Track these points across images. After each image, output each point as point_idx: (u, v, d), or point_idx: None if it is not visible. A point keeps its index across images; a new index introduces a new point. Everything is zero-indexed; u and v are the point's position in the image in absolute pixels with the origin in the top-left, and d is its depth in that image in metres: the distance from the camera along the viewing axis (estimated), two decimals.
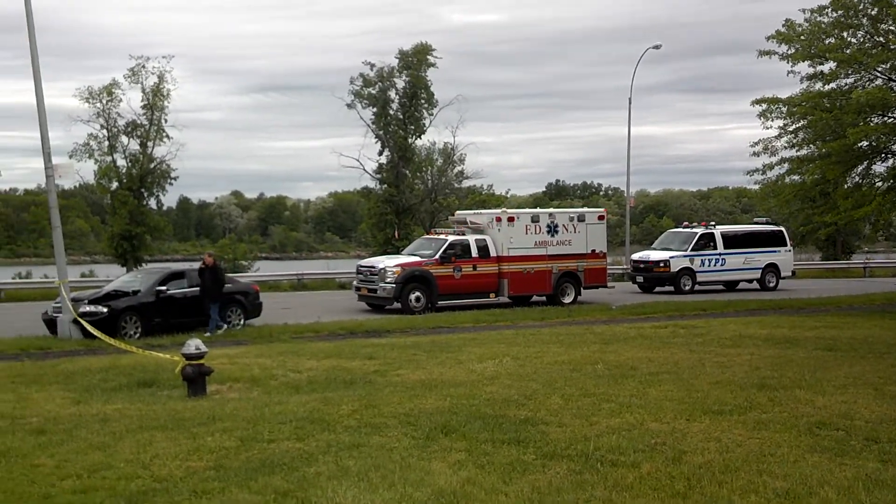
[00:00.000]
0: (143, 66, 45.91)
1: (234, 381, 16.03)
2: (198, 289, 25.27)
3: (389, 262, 32.10)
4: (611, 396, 13.81)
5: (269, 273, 47.85)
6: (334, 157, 48.98)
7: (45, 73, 24.53)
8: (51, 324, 24.19)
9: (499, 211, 35.25)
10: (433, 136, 52.27)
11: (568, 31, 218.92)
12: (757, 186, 37.63)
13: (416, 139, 50.93)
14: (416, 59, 49.57)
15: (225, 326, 25.15)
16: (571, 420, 12.10)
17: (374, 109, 49.84)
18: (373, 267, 32.19)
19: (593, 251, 34.52)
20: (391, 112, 49.95)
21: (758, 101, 33.05)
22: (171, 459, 10.06)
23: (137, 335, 23.51)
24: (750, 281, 41.43)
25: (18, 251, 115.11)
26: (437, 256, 31.79)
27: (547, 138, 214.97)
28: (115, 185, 47.06)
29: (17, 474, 9.56)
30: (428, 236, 36.29)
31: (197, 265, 26.27)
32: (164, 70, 46.18)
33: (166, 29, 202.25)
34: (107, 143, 46.30)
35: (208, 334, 23.77)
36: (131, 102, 46.37)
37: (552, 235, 33.56)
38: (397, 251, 39.78)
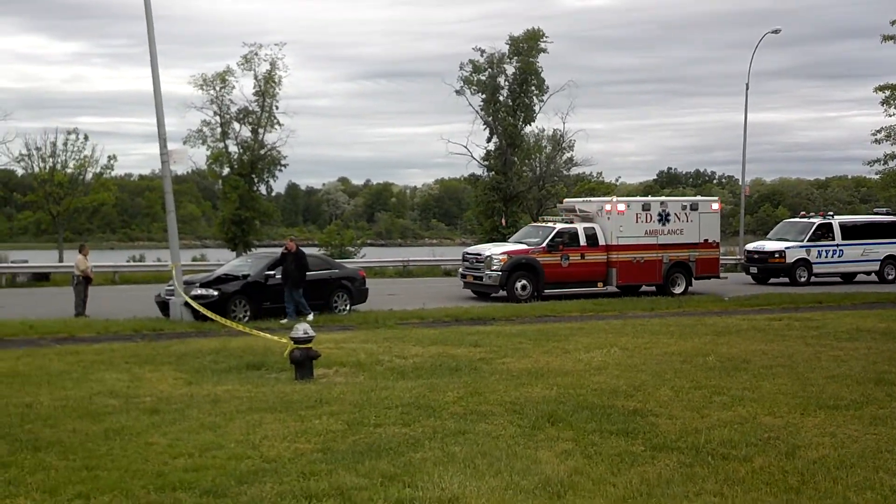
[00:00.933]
0: (256, 54, 46.52)
1: (340, 366, 16.12)
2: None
3: (496, 250, 32.00)
4: (722, 389, 13.53)
5: (375, 259, 48.23)
6: (442, 143, 49.04)
7: (161, 61, 25.06)
8: (163, 306, 24.70)
9: (608, 199, 34.87)
10: (543, 123, 51.79)
11: (685, 16, 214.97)
12: (877, 176, 36.61)
13: (525, 126, 50.61)
14: (527, 45, 49.20)
15: (310, 315, 24.12)
16: (681, 412, 11.87)
17: (484, 96, 49.64)
18: (479, 254, 32.12)
19: (706, 241, 33.98)
20: (500, 98, 49.70)
21: (881, 88, 32.12)
22: (279, 441, 10.14)
23: (246, 318, 23.77)
24: (868, 273, 40.23)
25: (132, 234, 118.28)
26: (544, 244, 31.59)
27: (660, 125, 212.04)
28: (226, 170, 47.83)
29: (132, 452, 9.74)
30: (535, 224, 36.08)
31: (307, 250, 26.42)
32: (277, 57, 46.72)
33: (280, 16, 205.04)
34: (219, 129, 47.04)
35: (285, 321, 23.34)
36: (244, 89, 47.08)
37: (663, 224, 33.10)
38: (504, 239, 39.61)
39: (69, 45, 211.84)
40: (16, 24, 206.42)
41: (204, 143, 46.95)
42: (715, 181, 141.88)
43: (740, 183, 57.21)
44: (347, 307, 26.45)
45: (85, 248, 27.21)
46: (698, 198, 37.84)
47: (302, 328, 14.95)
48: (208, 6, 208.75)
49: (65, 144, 50.82)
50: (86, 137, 51.63)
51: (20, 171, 61.33)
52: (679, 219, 33.47)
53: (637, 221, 32.83)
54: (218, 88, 46.63)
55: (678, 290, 33.30)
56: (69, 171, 51.21)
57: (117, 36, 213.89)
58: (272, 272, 25.30)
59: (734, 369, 15.58)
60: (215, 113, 46.85)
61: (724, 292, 32.94)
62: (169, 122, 24.21)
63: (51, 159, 50.67)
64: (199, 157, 48.56)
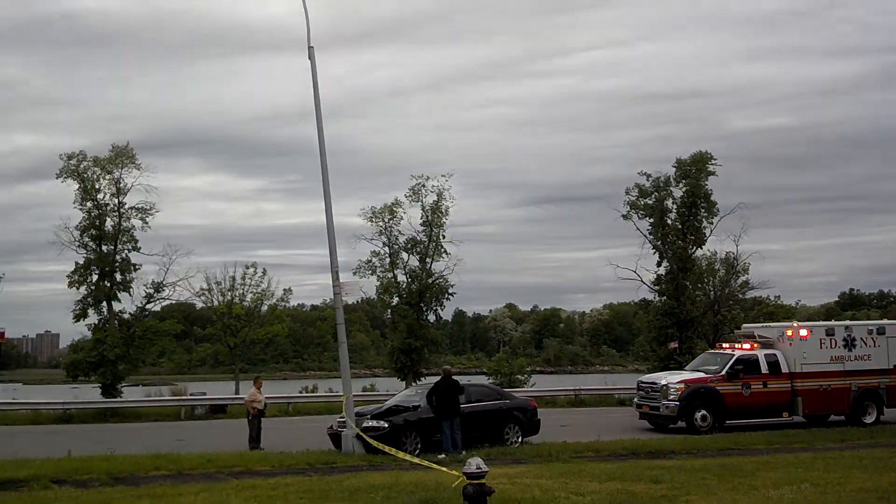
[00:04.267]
0: (423, 185, 47.55)
1: (514, 502, 15.57)
2: (478, 404, 25.19)
3: (672, 379, 31.10)
4: None
5: (545, 388, 47.52)
6: (610, 268, 48.51)
7: (333, 194, 25.50)
8: (335, 438, 24.71)
9: (790, 324, 33.61)
10: (714, 246, 50.68)
11: (861, 132, 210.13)
12: None
13: (695, 249, 49.73)
14: (695, 169, 48.64)
15: (462, 452, 23.34)
16: None
17: (651, 219, 49.16)
18: (654, 383, 31.28)
19: (895, 366, 32.21)
20: (669, 222, 49.10)
21: None
22: None
23: (417, 451, 23.50)
24: None
25: (304, 364, 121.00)
26: (723, 372, 30.58)
27: (840, 244, 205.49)
28: (395, 299, 48.46)
29: None
30: (713, 351, 35.05)
31: (472, 380, 26.11)
32: (443, 188, 47.57)
33: (448, 146, 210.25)
34: (388, 259, 47.95)
35: (442, 455, 22.79)
36: (412, 220, 48.02)
37: (849, 350, 31.74)
38: (679, 366, 38.53)
39: (249, 183, 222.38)
40: (200, 164, 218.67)
41: (373, 272, 48.05)
42: None
43: None
44: (519, 439, 25.97)
45: (259, 381, 27.68)
46: (885, 321, 36.04)
47: (475, 462, 14.53)
48: (379, 140, 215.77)
49: (243, 278, 52.59)
50: (264, 272, 53.38)
51: (200, 305, 63.68)
52: (866, 343, 32.10)
53: (821, 347, 31.56)
54: (387, 220, 47.80)
55: (869, 419, 31.64)
56: (246, 303, 52.79)
57: (294, 171, 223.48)
58: None
59: None
60: (384, 243, 47.89)
61: None
62: (340, 252, 24.57)
63: (229, 293, 52.38)
64: (368, 286, 49.51)
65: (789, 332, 31.69)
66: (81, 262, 43.26)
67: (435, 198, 47.67)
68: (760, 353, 31.28)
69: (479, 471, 14.47)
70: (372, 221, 47.86)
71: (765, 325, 36.09)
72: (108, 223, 43.60)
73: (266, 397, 27.39)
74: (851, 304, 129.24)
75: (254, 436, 26.03)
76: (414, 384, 39.03)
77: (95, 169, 43.23)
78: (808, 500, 15.50)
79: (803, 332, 31.62)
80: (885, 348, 32.24)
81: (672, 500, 15.90)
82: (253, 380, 28.33)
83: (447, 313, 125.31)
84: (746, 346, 31.99)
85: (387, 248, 48.14)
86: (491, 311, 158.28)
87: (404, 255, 48.44)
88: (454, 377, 25.50)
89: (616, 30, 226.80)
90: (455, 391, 24.60)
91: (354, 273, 47.49)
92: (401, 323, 47.32)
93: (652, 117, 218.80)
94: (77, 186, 43.16)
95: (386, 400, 28.40)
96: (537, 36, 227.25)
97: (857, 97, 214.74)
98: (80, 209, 43.41)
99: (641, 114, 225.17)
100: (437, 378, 25.42)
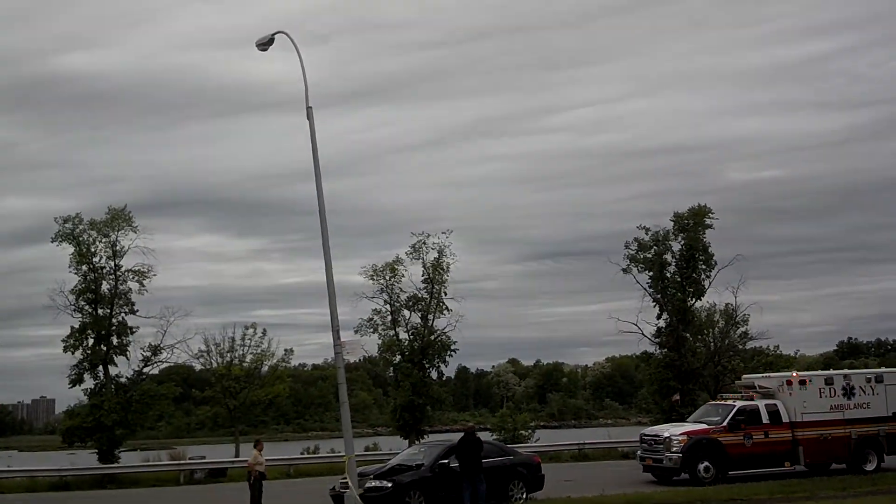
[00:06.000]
0: (424, 243, 47.58)
1: None
2: (483, 461, 25.22)
3: (674, 430, 31.07)
4: None
5: (549, 443, 47.35)
6: (611, 322, 48.44)
7: (334, 253, 25.52)
8: (338, 499, 24.50)
9: (789, 374, 33.65)
10: (713, 297, 50.60)
11: (858, 183, 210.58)
12: None
13: (695, 301, 49.70)
14: (693, 222, 48.78)
15: None
16: None
17: (651, 273, 49.17)
18: (657, 436, 31.22)
19: (894, 414, 32.42)
20: (668, 275, 49.11)
21: None
22: None
23: None
24: None
25: (306, 425, 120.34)
26: (724, 423, 30.59)
27: (838, 294, 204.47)
28: (397, 357, 48.33)
29: None
30: (714, 402, 34.96)
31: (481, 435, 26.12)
32: (444, 245, 47.64)
33: (448, 203, 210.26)
34: (389, 317, 47.84)
35: None
36: (413, 277, 47.96)
37: (849, 398, 31.92)
38: (682, 418, 38.41)
39: (248, 243, 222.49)
40: (198, 224, 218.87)
41: (375, 331, 47.87)
42: None
43: None
44: (524, 495, 25.97)
45: (260, 444, 27.51)
46: (883, 370, 36.07)
47: None
48: (382, 198, 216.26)
49: (242, 339, 52.33)
50: (264, 332, 53.15)
51: (198, 367, 63.32)
52: (864, 392, 32.29)
53: (821, 396, 31.72)
54: (388, 277, 47.72)
55: (870, 466, 31.64)
56: (246, 364, 52.56)
57: (293, 231, 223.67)
58: (446, 461, 24.99)
59: None
60: (385, 301, 47.79)
61: None
62: (341, 311, 24.57)
63: (229, 354, 52.14)
64: (370, 344, 49.33)
65: (789, 382, 31.80)
66: (77, 325, 42.92)
67: (436, 255, 47.76)
68: (761, 404, 31.32)
69: None
70: (373, 279, 47.88)
71: (765, 375, 36.03)
72: (104, 286, 43.09)
73: (266, 459, 27.20)
74: (850, 352, 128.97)
75: (256, 500, 25.85)
76: (417, 442, 38.79)
77: (91, 232, 42.91)
78: None
79: (802, 381, 31.77)
80: (884, 396, 32.40)
81: None
82: (254, 443, 28.17)
83: (450, 370, 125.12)
84: (747, 396, 32.01)
85: (388, 306, 48.06)
86: (494, 366, 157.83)
87: (406, 313, 48.38)
88: (477, 434, 25.69)
89: (609, 86, 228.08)
90: (477, 447, 24.78)
91: (356, 331, 47.30)
92: (405, 381, 47.13)
93: (651, 173, 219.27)
94: (72, 250, 42.80)
95: (389, 459, 28.26)
96: (530, 93, 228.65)
97: (848, 149, 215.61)
98: (76, 273, 43.05)
99: (637, 168, 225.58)
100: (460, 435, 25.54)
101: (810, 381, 32.07)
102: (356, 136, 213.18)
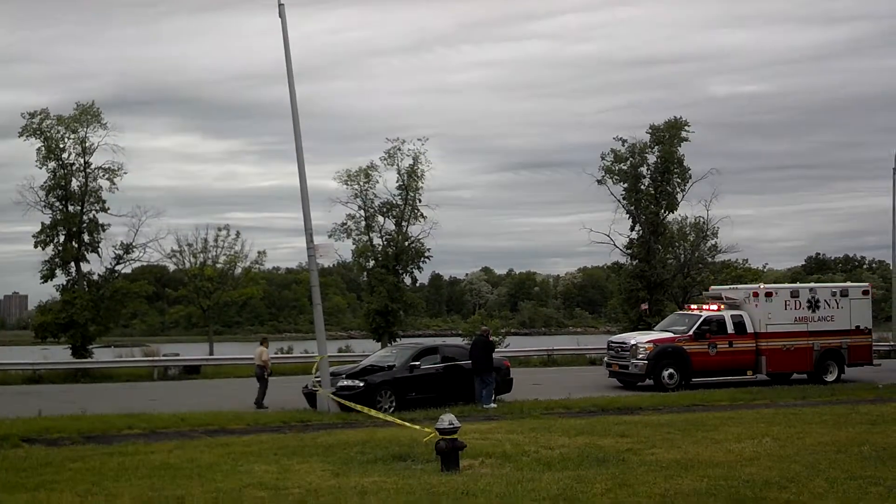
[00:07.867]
0: (399, 149, 47.40)
1: (485, 457, 15.93)
2: (452, 363, 26.08)
3: (641, 338, 31.62)
4: (879, 479, 13.00)
5: (519, 349, 47.96)
6: (584, 232, 48.63)
7: (308, 157, 25.63)
8: (311, 397, 25.00)
9: (756, 286, 34.16)
10: (686, 210, 50.96)
11: (833, 100, 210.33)
12: None
13: (668, 214, 50.06)
14: (669, 134, 48.85)
15: (493, 403, 25.35)
16: None
17: (625, 185, 49.36)
18: (624, 343, 31.78)
19: (857, 327, 33.15)
20: (642, 187, 49.33)
21: None
22: None
23: (392, 409, 23.81)
24: None
25: (280, 327, 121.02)
26: (690, 332, 31.13)
27: (808, 210, 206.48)
28: (371, 263, 48.53)
29: None
30: (681, 312, 35.55)
31: (447, 341, 26.75)
32: (419, 152, 47.51)
33: (424, 110, 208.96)
34: (364, 223, 47.90)
35: (493, 405, 24.92)
36: (387, 184, 47.87)
37: (813, 311, 32.43)
38: (649, 327, 39.02)
39: (222, 144, 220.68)
40: (171, 124, 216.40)
41: (349, 236, 47.89)
42: (865, 266, 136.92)
43: (891, 267, 55.13)
44: (493, 397, 26.33)
45: (266, 341, 28.02)
46: (848, 284, 36.63)
47: (447, 419, 14.87)
48: (357, 103, 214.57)
49: (216, 240, 52.45)
50: (237, 234, 53.27)
51: (172, 267, 63.38)
52: (829, 305, 32.85)
53: (786, 308, 32.25)
54: (362, 183, 47.58)
55: (830, 377, 32.43)
56: (219, 265, 52.72)
57: (268, 133, 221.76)
58: (417, 363, 25.54)
59: (891, 459, 14.99)
60: (360, 207, 47.78)
61: (878, 380, 31.86)
62: (315, 216, 24.72)
63: (202, 255, 52.30)
64: (344, 250, 49.51)
65: (755, 294, 32.29)
66: (47, 222, 42.64)
67: (411, 161, 47.69)
68: (727, 314, 31.84)
69: (452, 426, 14.82)
70: (347, 185, 47.71)
71: (732, 287, 36.56)
72: (74, 183, 42.71)
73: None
74: (817, 267, 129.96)
75: (261, 395, 26.42)
76: (389, 345, 39.21)
77: (59, 128, 42.42)
78: (769, 453, 15.90)
79: (769, 294, 32.27)
80: (848, 310, 32.98)
81: (637, 452, 16.30)
82: (261, 340, 28.62)
83: (424, 277, 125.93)
84: (714, 307, 32.53)
85: (362, 212, 48.10)
86: (467, 274, 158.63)
87: (380, 219, 48.42)
88: (490, 337, 27.41)
89: None
90: (489, 348, 26.20)
91: (330, 236, 47.31)
92: (379, 286, 47.33)
93: (628, 83, 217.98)
94: (40, 145, 42.47)
95: (361, 360, 28.69)
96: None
97: (825, 65, 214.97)
98: (45, 169, 42.65)
99: (618, 80, 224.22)
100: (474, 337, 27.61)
101: (776, 293, 32.61)
102: (332, 38, 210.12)
